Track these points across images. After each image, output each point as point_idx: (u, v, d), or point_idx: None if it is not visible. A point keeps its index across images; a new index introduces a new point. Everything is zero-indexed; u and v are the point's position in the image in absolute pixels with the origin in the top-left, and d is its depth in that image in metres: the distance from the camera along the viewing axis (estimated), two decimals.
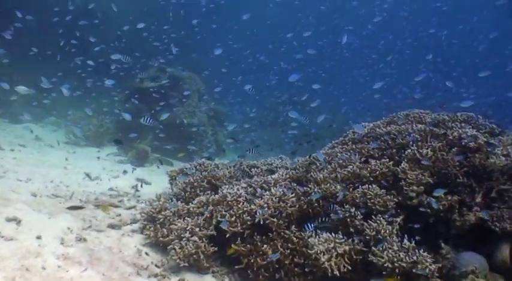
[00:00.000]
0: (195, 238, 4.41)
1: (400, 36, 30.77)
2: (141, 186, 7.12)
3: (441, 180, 4.84)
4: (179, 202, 5.10)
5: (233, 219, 4.50)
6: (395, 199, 4.70)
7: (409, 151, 5.11)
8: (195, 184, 5.44)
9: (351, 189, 4.88)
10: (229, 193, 4.81)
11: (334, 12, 32.25)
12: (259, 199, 4.68)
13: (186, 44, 20.04)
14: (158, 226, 4.81)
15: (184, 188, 5.45)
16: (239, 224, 4.49)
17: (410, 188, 4.73)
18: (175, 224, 4.63)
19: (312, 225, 4.47)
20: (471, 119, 5.69)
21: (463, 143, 4.94)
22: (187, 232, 4.49)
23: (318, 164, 5.49)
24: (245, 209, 4.57)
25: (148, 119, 8.10)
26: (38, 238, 4.27)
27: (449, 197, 4.66)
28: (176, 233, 4.53)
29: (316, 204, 4.81)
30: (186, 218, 4.71)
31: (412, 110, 6.17)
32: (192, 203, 4.94)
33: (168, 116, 13.31)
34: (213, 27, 21.71)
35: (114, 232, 4.98)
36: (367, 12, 29.83)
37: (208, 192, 5.21)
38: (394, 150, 5.34)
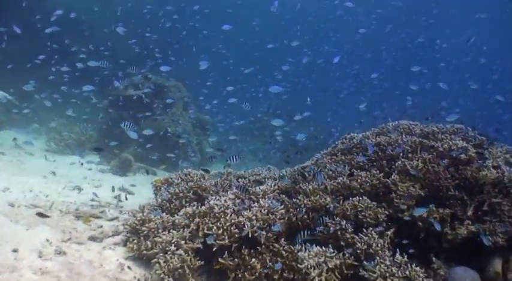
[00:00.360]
0: (181, 251, 4.24)
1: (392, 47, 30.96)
2: (126, 198, 6.89)
3: (432, 193, 4.77)
4: (164, 213, 4.92)
5: (220, 232, 4.34)
6: (386, 212, 4.61)
7: (400, 162, 5.04)
8: (181, 194, 5.27)
9: (341, 201, 4.77)
10: (217, 204, 4.66)
11: (320, 23, 32.41)
12: (248, 210, 4.53)
13: (173, 52, 19.91)
14: (142, 238, 4.62)
15: (169, 199, 5.27)
16: (226, 237, 4.33)
17: (402, 200, 4.65)
18: (160, 237, 4.44)
19: (301, 239, 4.34)
20: (460, 131, 5.66)
21: (454, 155, 4.89)
22: (173, 245, 4.31)
23: (307, 175, 5.38)
24: (233, 221, 4.42)
25: (129, 124, 7.90)
26: (14, 251, 4.06)
27: (441, 210, 4.59)
28: (161, 246, 4.35)
29: (305, 216, 4.69)
30: (171, 230, 4.54)
31: (401, 121, 6.13)
32: (178, 215, 4.77)
33: (152, 124, 13.18)
34: (200, 36, 21.60)
35: (95, 245, 4.77)
36: (359, 22, 30.03)
37: (195, 203, 5.04)
38: (384, 161, 5.26)
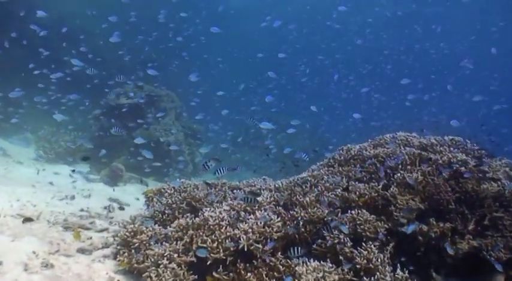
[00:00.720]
0: (173, 265, 4.06)
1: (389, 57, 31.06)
2: (122, 208, 6.68)
3: (432, 206, 4.66)
4: (156, 224, 4.75)
5: (215, 245, 4.19)
6: (385, 225, 4.48)
7: (399, 174, 4.94)
8: (174, 205, 5.10)
9: (339, 214, 4.64)
10: (211, 216, 4.50)
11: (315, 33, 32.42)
12: (243, 223, 4.38)
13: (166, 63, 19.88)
14: (133, 251, 4.43)
15: (162, 210, 5.10)
16: (221, 251, 4.17)
17: (402, 214, 4.53)
18: (152, 250, 4.27)
19: (299, 253, 4.19)
20: (459, 144, 5.58)
21: (455, 168, 4.80)
22: (165, 258, 4.14)
23: (303, 187, 5.25)
24: (228, 234, 4.26)
25: (119, 129, 7.72)
26: None
27: (441, 224, 4.48)
28: (153, 260, 4.17)
29: (303, 229, 4.55)
30: (163, 243, 4.37)
31: (398, 133, 6.05)
32: (171, 227, 4.60)
33: (144, 134, 13.00)
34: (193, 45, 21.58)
35: (84, 257, 4.58)
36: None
37: (188, 215, 4.88)
38: (382, 174, 5.15)
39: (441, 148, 5.45)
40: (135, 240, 4.51)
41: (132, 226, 4.79)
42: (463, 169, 4.77)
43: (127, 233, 4.62)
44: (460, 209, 4.56)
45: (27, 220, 5.26)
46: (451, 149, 5.42)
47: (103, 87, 14.74)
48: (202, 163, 5.07)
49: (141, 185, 11.24)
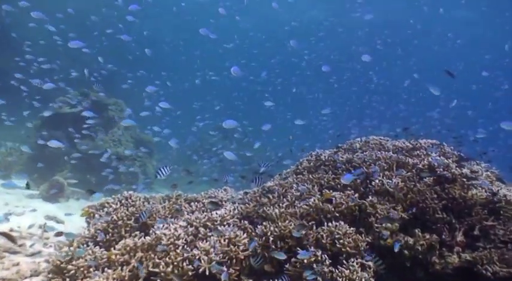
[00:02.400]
0: None
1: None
2: (58, 233, 5.68)
3: (416, 216, 4.16)
4: (98, 246, 3.94)
5: (169, 269, 3.45)
6: (367, 239, 3.93)
7: (377, 181, 4.42)
8: (120, 222, 4.31)
9: (314, 227, 4.04)
10: (165, 234, 3.77)
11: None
12: (204, 241, 3.68)
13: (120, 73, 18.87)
14: (67, 280, 3.61)
15: (105, 229, 4.29)
16: (177, 276, 3.44)
17: (383, 225, 3.99)
18: (91, 278, 3.48)
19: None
20: (436, 147, 5.16)
21: (439, 173, 4.33)
22: None
23: (271, 197, 4.62)
24: (185, 255, 3.55)
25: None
26: None
27: (427, 236, 3.97)
28: None
29: (273, 246, 3.90)
30: (106, 269, 3.58)
31: (371, 137, 5.58)
32: (115, 249, 3.81)
33: (90, 144, 11.98)
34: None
35: None
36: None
37: (137, 233, 4.12)
38: (358, 181, 4.62)
39: (418, 152, 5.02)
40: (70, 266, 3.69)
41: (67, 248, 3.96)
42: (447, 173, 4.32)
43: (60, 258, 3.79)
44: (447, 218, 4.07)
45: None
46: (429, 152, 4.99)
47: (47, 95, 13.58)
48: (156, 169, 4.28)
49: (87, 200, 10.22)
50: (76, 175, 11.99)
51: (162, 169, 4.28)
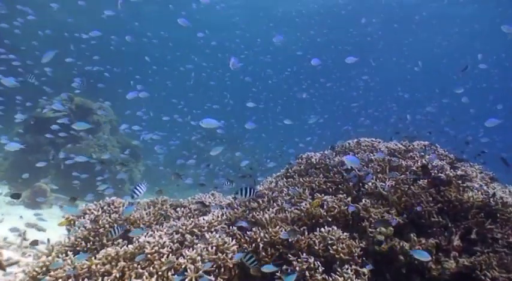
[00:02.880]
0: None
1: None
2: (35, 242, 5.41)
3: (411, 219, 4.01)
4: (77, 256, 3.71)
5: (153, 280, 3.25)
6: (361, 244, 3.76)
7: (370, 184, 4.27)
8: (101, 230, 4.09)
9: (306, 232, 3.86)
10: (149, 242, 3.57)
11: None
12: (190, 249, 3.49)
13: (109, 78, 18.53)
14: None
15: (86, 237, 4.07)
16: None
17: (378, 230, 3.84)
18: None
19: None
20: (429, 148, 5.04)
21: (433, 174, 4.20)
22: None
23: (261, 202, 4.44)
24: (171, 264, 3.34)
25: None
26: None
27: (423, 241, 3.83)
28: None
29: (263, 253, 3.72)
30: (86, 280, 3.37)
31: (362, 138, 5.44)
32: (96, 258, 3.59)
33: (74, 150, 11.69)
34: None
35: None
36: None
37: (120, 241, 3.91)
38: (350, 183, 4.46)
39: (411, 154, 4.89)
40: (48, 278, 3.46)
41: (45, 258, 3.74)
42: (442, 175, 4.18)
43: (37, 269, 3.56)
44: (442, 222, 3.93)
45: None
46: (422, 154, 4.87)
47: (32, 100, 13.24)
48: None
49: (71, 207, 9.93)
50: (61, 181, 11.69)
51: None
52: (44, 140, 12.05)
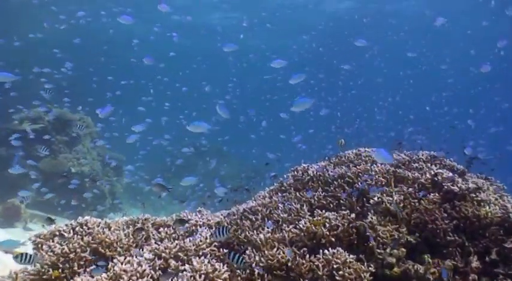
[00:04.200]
0: None
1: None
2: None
3: (424, 239, 3.59)
4: None
5: None
6: (370, 268, 3.32)
7: (376, 198, 3.84)
8: (72, 255, 3.56)
9: (307, 255, 3.40)
10: (126, 270, 3.06)
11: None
12: (175, 278, 2.99)
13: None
14: None
15: (54, 263, 3.54)
16: None
17: (388, 251, 3.40)
18: None
19: None
20: (435, 159, 4.64)
21: (446, 188, 3.79)
22: None
23: (254, 219, 3.98)
24: None
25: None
26: None
27: (439, 262, 3.40)
28: None
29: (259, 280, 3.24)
30: None
31: (361, 149, 5.03)
32: None
33: (51, 163, 11.09)
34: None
35: None
36: None
37: (94, 267, 3.39)
38: (353, 199, 4.03)
39: (416, 165, 4.48)
40: None
41: None
42: (455, 188, 3.77)
43: None
44: (458, 241, 3.51)
45: None
46: (428, 165, 4.46)
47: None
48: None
49: (48, 225, 9.32)
50: (38, 196, 11.05)
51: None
52: (19, 153, 11.40)
